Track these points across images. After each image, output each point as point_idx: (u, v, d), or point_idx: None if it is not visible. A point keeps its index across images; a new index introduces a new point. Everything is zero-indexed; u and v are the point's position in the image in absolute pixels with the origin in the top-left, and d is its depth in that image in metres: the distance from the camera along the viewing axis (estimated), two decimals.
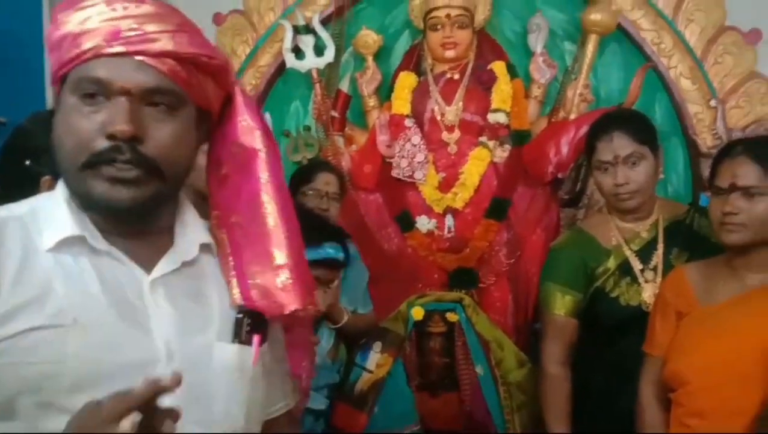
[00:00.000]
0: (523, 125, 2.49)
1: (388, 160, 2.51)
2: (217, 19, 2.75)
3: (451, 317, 2.35)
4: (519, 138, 2.47)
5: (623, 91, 2.48)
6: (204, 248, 0.98)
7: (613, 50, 2.59)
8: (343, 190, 2.40)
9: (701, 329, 1.55)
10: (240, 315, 0.94)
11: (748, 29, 2.47)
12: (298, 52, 2.62)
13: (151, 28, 0.86)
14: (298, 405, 1.11)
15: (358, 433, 2.21)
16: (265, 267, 0.95)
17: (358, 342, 2.27)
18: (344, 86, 2.64)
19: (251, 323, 0.94)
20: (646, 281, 1.90)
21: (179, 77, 0.88)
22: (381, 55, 2.65)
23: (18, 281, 0.83)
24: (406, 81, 2.53)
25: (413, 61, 2.58)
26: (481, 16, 2.52)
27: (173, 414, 0.74)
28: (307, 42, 2.60)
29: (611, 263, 1.93)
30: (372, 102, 2.61)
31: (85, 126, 0.85)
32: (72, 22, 0.87)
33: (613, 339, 1.91)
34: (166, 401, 0.74)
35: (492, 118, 2.45)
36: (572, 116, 2.43)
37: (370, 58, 2.61)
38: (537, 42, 2.52)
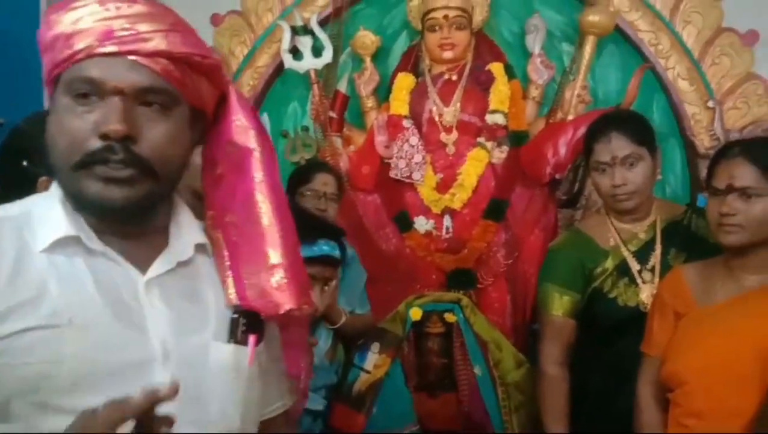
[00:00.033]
0: (521, 125, 2.49)
1: (386, 161, 2.51)
2: (215, 20, 2.75)
3: (449, 317, 2.35)
4: (517, 139, 2.47)
5: (621, 92, 2.49)
6: (199, 248, 0.97)
7: (610, 51, 2.60)
8: (341, 190, 2.39)
9: (699, 329, 1.55)
10: (236, 315, 0.94)
11: (745, 31, 2.48)
12: (296, 53, 2.62)
13: (143, 27, 0.86)
14: (296, 406, 1.11)
15: None
16: (259, 267, 0.95)
17: (356, 343, 2.27)
18: (342, 87, 2.64)
19: (247, 323, 0.93)
20: (644, 282, 1.90)
21: (172, 77, 0.88)
22: (379, 56, 2.65)
23: (12, 282, 0.83)
24: (404, 82, 2.53)
25: (411, 62, 2.58)
26: (479, 17, 2.53)
27: (167, 421, 0.74)
28: (305, 43, 2.60)
29: (609, 264, 1.93)
30: (370, 103, 2.61)
31: (78, 126, 0.85)
32: (64, 22, 0.86)
33: (611, 340, 1.91)
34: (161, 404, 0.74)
35: (490, 119, 2.46)
36: (570, 117, 2.44)
37: (368, 59, 2.61)
38: (535, 43, 2.52)
